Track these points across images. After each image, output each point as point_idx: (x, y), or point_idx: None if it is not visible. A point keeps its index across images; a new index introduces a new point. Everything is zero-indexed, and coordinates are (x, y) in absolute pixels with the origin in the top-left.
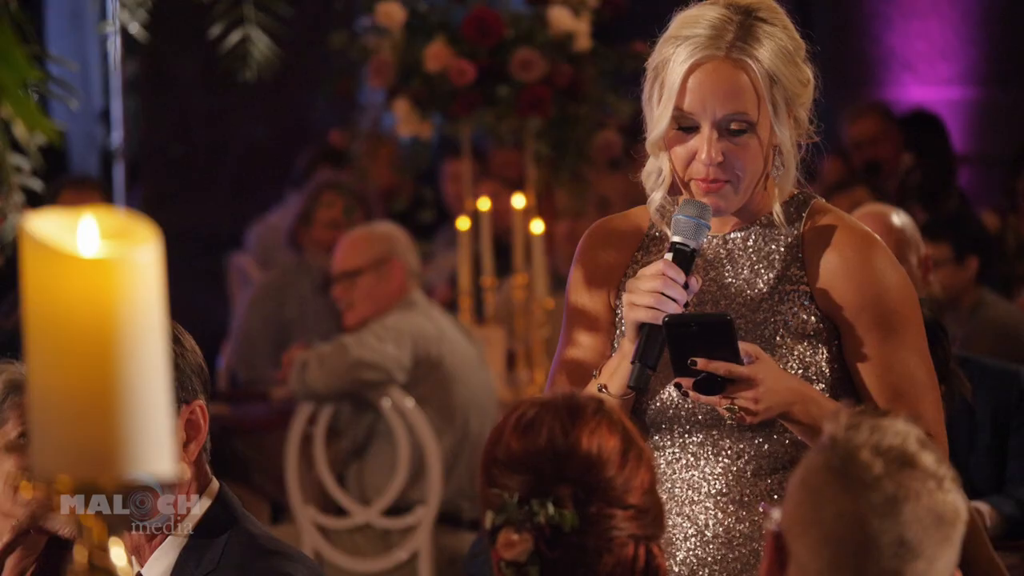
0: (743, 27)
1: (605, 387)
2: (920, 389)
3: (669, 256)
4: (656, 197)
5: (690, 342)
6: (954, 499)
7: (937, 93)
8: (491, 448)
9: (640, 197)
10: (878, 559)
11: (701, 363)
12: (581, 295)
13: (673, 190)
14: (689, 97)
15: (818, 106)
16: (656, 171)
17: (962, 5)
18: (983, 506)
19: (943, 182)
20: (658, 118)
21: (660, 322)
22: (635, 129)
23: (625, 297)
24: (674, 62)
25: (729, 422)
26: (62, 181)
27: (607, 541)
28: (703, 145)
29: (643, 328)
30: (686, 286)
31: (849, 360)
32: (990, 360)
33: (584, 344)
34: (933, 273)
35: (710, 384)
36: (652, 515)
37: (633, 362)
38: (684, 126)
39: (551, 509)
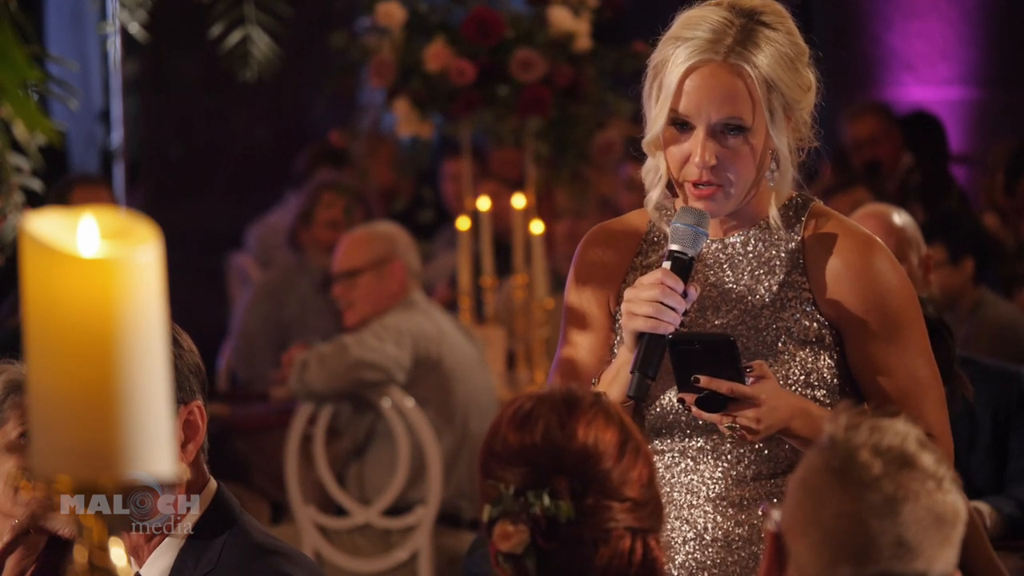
0: (744, 31)
1: (604, 395)
2: (924, 390)
3: (667, 265)
4: (653, 196)
5: (694, 359)
6: (954, 499)
7: (937, 93)
8: (488, 442)
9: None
10: (877, 559)
11: (704, 381)
12: (579, 297)
13: (671, 188)
14: (685, 100)
15: (818, 107)
16: (654, 169)
17: (962, 5)
18: (983, 506)
19: (943, 182)
20: (655, 118)
21: (659, 331)
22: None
23: (624, 306)
24: (673, 63)
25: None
26: (72, 179)
27: (604, 533)
28: (696, 148)
29: (642, 338)
30: (685, 295)
31: (853, 364)
32: (990, 360)
33: (582, 345)
34: (933, 273)
35: (712, 401)
36: (650, 508)
37: (632, 372)
38: (679, 127)
39: (547, 500)
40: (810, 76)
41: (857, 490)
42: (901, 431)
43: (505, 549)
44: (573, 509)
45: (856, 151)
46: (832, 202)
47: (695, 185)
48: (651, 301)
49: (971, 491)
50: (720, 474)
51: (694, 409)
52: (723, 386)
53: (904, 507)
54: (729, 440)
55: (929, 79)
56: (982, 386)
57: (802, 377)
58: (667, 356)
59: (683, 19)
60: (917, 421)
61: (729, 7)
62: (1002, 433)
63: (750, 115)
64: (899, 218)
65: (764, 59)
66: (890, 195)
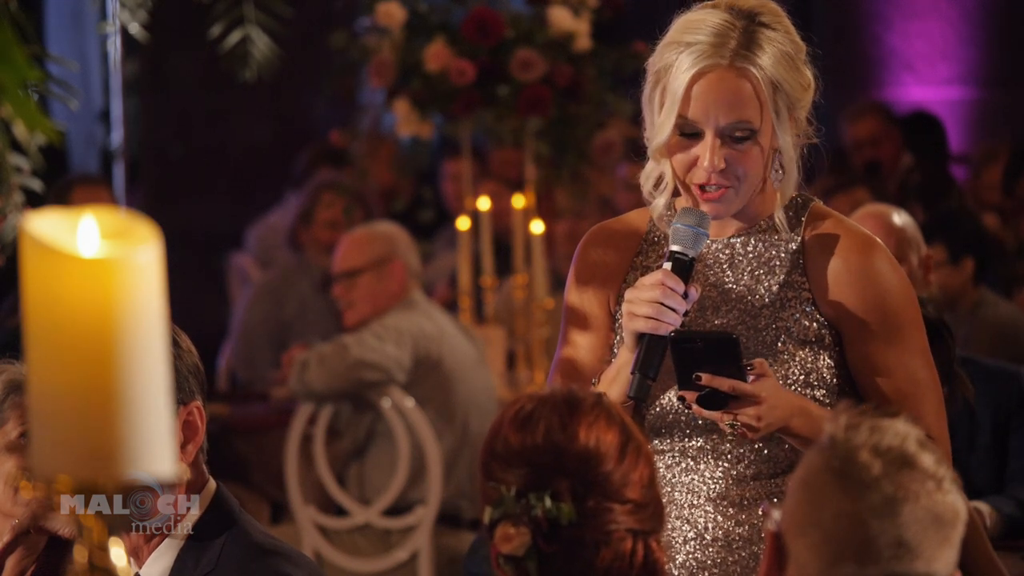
0: (746, 34)
1: (604, 395)
2: (922, 391)
3: (668, 265)
4: (659, 203)
5: (695, 357)
6: (953, 500)
7: (937, 93)
8: (490, 443)
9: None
10: (877, 560)
11: (706, 379)
12: (579, 296)
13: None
14: (693, 106)
15: (818, 107)
16: (656, 176)
17: (962, 5)
18: (983, 506)
19: (943, 182)
20: (661, 125)
21: (660, 332)
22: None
23: (624, 307)
24: (677, 69)
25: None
26: (72, 179)
27: (605, 535)
28: (705, 152)
29: (642, 338)
30: (685, 295)
31: (852, 364)
32: (990, 360)
33: (582, 345)
34: (933, 273)
35: (714, 399)
36: (651, 510)
37: (633, 372)
38: (686, 132)
39: (548, 503)
40: (809, 74)
41: (857, 490)
42: (901, 431)
43: (506, 551)
44: (574, 511)
45: (856, 151)
46: (832, 202)
47: (702, 187)
48: (652, 302)
49: (971, 491)
50: (720, 474)
51: (694, 407)
52: (724, 383)
53: (904, 507)
54: (729, 440)
55: (929, 79)
56: (982, 386)
57: (802, 377)
58: (668, 355)
59: (681, 23)
60: (916, 422)
61: (727, 8)
62: (1002, 433)
63: (758, 118)
64: (899, 218)
65: (768, 60)
66: (890, 195)
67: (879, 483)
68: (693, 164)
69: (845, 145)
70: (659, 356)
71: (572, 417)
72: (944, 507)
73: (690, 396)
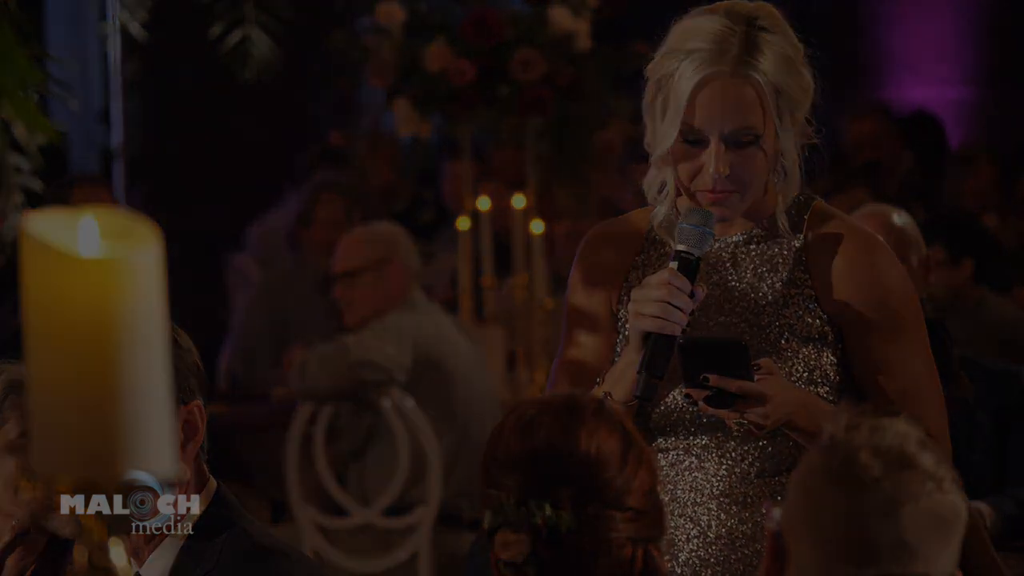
0: (747, 39)
1: (609, 395)
2: (923, 390)
3: (674, 265)
4: (661, 211)
5: (704, 360)
6: (954, 500)
7: (937, 93)
8: (491, 448)
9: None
10: (877, 561)
11: (714, 380)
12: (581, 296)
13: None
14: (698, 113)
15: (818, 107)
16: (659, 183)
17: (962, 5)
18: (983, 506)
19: (943, 182)
20: (664, 133)
21: (666, 332)
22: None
23: (630, 307)
24: (680, 77)
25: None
26: (72, 179)
27: (604, 543)
28: (711, 159)
29: (649, 338)
30: (692, 295)
31: (853, 362)
32: (991, 360)
33: (584, 345)
34: (933, 273)
35: (721, 398)
36: (652, 517)
37: (639, 372)
38: (690, 139)
39: (548, 510)
40: (808, 75)
41: (857, 491)
42: (901, 432)
43: (506, 558)
44: (574, 518)
45: (856, 151)
46: (832, 202)
47: (709, 192)
48: (658, 301)
49: (971, 491)
50: (724, 471)
51: (701, 404)
52: (732, 385)
53: (904, 508)
54: (734, 438)
55: (929, 79)
56: (982, 386)
57: (805, 374)
58: (675, 355)
59: (680, 30)
60: (916, 421)
61: (725, 13)
62: (1002, 433)
63: (761, 123)
64: (899, 218)
65: (769, 65)
66: (890, 195)
67: (879, 484)
68: (698, 171)
69: (845, 145)
70: (666, 356)
71: (573, 423)
72: (944, 507)
73: (697, 394)
